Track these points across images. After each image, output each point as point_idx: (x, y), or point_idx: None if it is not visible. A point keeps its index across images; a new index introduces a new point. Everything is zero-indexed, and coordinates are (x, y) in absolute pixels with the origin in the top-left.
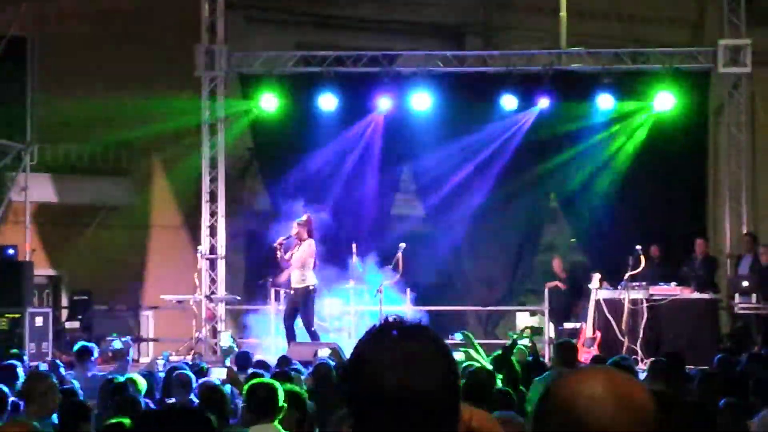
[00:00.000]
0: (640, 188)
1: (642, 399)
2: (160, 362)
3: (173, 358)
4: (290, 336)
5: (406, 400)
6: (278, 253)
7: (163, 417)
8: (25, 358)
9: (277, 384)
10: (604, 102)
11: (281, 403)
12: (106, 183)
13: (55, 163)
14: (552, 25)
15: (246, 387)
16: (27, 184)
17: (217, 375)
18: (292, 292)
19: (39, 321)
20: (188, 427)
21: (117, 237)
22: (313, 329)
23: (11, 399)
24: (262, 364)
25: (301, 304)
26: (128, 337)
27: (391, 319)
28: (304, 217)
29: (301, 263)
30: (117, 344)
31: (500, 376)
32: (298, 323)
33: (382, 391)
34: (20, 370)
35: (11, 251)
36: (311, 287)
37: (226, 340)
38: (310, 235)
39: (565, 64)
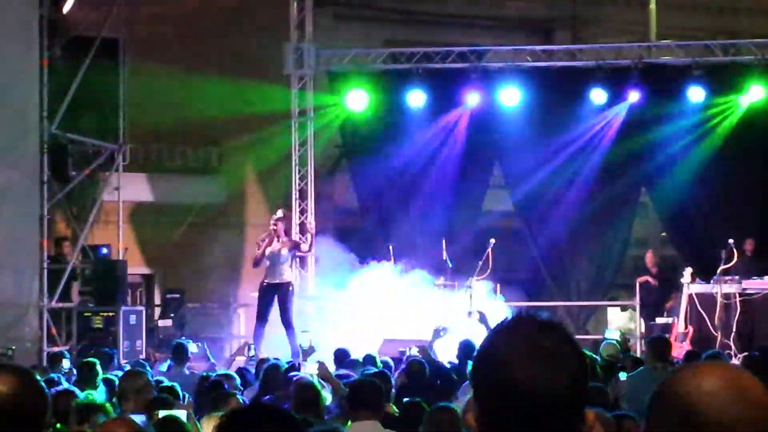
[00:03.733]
0: (733, 181)
1: (761, 394)
2: (241, 359)
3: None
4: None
5: (536, 394)
6: (259, 251)
7: (249, 415)
8: (119, 355)
9: (380, 383)
10: (695, 95)
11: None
12: (198, 182)
13: (148, 163)
14: (641, 17)
15: (350, 384)
16: (120, 184)
17: (309, 370)
18: (266, 287)
19: (133, 319)
20: (275, 427)
21: (209, 235)
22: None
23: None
24: (353, 362)
25: (289, 300)
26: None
27: (524, 313)
28: (281, 213)
29: (285, 258)
30: (192, 348)
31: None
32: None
33: (511, 383)
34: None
35: (105, 250)
36: (291, 283)
37: (305, 340)
38: (287, 233)
39: (655, 57)
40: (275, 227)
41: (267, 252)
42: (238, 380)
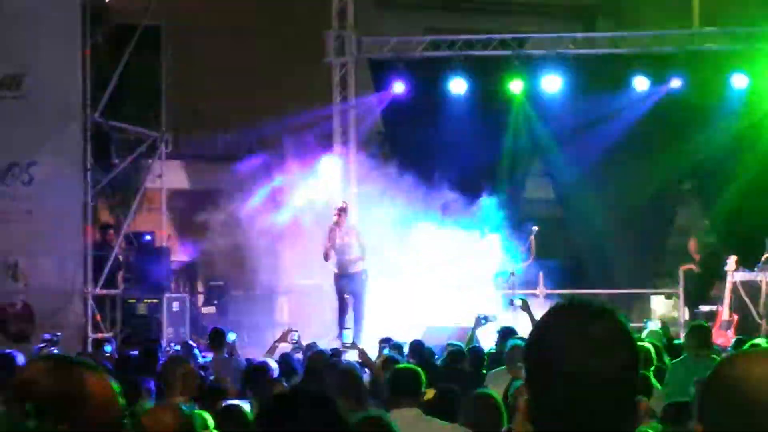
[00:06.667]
0: None
1: None
2: (284, 345)
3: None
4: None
5: (586, 382)
6: (327, 244)
7: (290, 400)
8: (163, 342)
9: (420, 369)
10: (739, 81)
11: (423, 388)
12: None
13: (190, 150)
14: (684, 3)
15: (392, 371)
16: (162, 171)
17: (349, 357)
18: (339, 278)
19: (176, 306)
20: (315, 411)
21: (251, 222)
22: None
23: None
24: (398, 348)
25: (360, 290)
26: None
27: (575, 300)
28: (344, 204)
29: (355, 249)
30: (231, 336)
31: None
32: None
33: (561, 371)
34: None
35: (148, 237)
36: (362, 272)
37: (348, 337)
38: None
39: (699, 43)
40: (338, 217)
41: (336, 244)
42: (275, 368)
